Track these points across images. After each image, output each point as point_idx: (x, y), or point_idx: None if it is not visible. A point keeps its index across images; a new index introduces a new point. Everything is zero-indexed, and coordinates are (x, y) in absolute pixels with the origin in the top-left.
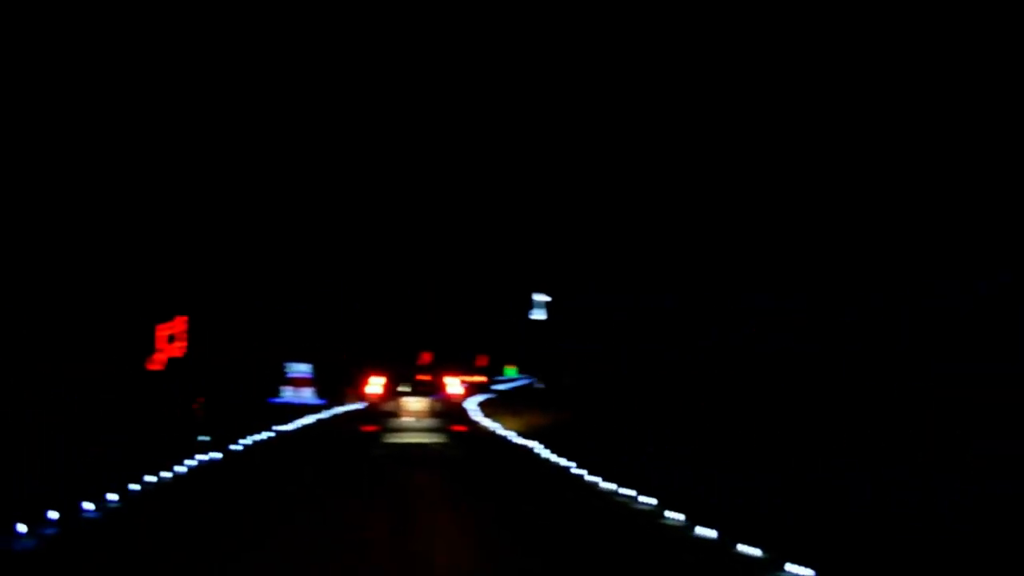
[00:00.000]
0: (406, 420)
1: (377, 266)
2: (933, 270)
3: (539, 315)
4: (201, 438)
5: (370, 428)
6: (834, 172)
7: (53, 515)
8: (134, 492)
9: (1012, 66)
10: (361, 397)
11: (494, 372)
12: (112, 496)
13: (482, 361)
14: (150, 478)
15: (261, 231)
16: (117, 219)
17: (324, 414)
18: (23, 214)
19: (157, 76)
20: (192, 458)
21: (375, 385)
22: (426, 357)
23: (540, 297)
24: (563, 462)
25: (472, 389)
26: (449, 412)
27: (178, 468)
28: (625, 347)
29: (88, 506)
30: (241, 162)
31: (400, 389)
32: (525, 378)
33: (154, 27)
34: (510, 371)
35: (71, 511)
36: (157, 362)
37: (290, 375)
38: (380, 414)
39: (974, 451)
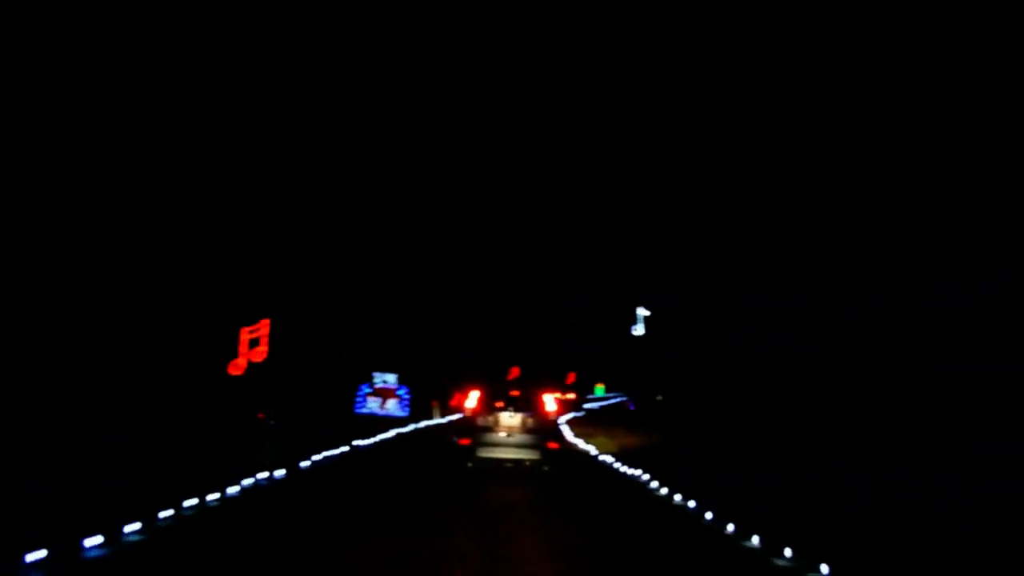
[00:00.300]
0: (501, 435)
1: (468, 278)
2: (933, 270)
3: (639, 331)
4: (267, 453)
5: (465, 441)
6: (834, 173)
7: (37, 556)
8: (162, 522)
9: (1012, 66)
10: (447, 410)
11: (582, 389)
12: (132, 527)
13: (571, 378)
14: (190, 502)
15: (347, 234)
16: (210, 220)
17: (407, 428)
18: (109, 219)
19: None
20: (251, 476)
21: (470, 399)
22: (515, 371)
23: (642, 311)
24: (677, 497)
25: (565, 407)
26: (544, 429)
27: (231, 489)
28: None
29: (92, 542)
30: (327, 160)
31: (495, 404)
32: (614, 396)
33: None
34: (599, 389)
35: (68, 548)
36: (239, 367)
37: (376, 385)
38: (475, 428)
39: (974, 451)
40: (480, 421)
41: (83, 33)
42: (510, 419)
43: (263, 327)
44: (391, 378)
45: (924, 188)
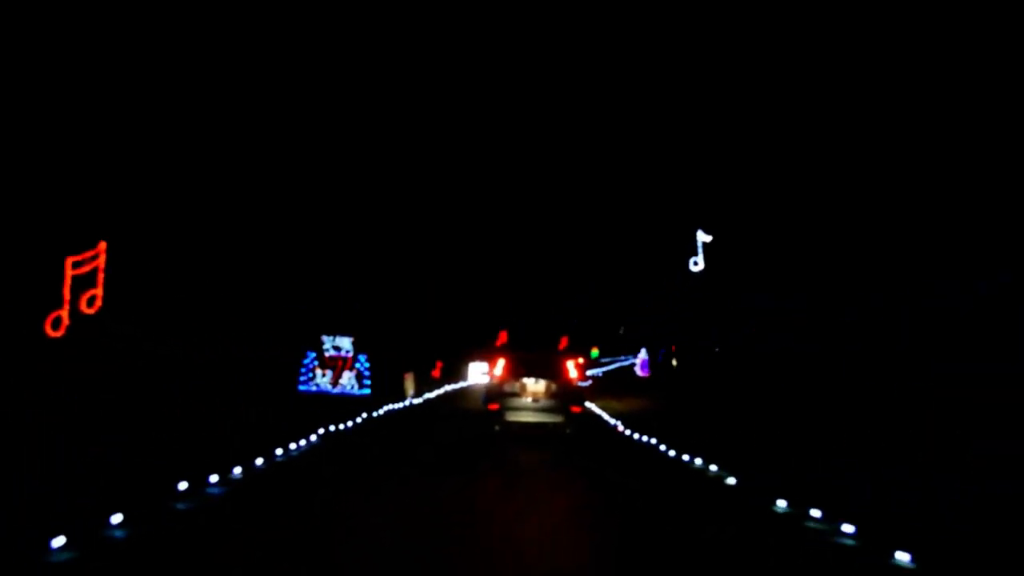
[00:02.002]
0: (527, 400)
1: (445, 225)
2: (933, 270)
3: (699, 264)
4: None
5: (494, 406)
6: (834, 172)
7: None
8: None
9: (1012, 66)
10: (426, 384)
11: (576, 353)
12: None
13: (563, 342)
14: None
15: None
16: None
17: (356, 420)
18: None
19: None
20: None
21: (498, 367)
22: (503, 336)
23: (702, 237)
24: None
25: (583, 372)
26: (567, 393)
27: None
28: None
29: None
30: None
31: (518, 370)
32: (610, 360)
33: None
34: (594, 353)
35: None
36: (62, 326)
37: (326, 352)
38: (503, 394)
39: (974, 451)
40: (507, 387)
41: None
42: (535, 385)
43: (99, 254)
44: (345, 343)
45: (924, 188)
